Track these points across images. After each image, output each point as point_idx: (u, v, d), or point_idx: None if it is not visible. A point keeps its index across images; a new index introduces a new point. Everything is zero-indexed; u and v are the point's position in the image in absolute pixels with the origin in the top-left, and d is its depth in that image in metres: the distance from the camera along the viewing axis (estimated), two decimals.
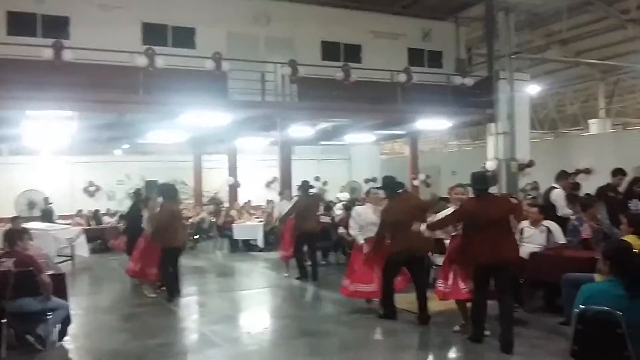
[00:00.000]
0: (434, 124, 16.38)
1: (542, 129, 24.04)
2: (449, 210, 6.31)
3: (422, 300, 6.55)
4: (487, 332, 5.80)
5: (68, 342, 6.09)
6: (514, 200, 7.04)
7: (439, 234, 6.48)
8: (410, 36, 17.51)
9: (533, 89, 17.89)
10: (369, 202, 7.75)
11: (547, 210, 7.92)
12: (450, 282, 6.01)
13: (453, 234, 6.14)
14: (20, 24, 13.66)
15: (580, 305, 3.71)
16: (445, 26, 18.06)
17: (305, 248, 9.99)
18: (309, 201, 10.13)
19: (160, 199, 8.66)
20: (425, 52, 17.77)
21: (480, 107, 15.86)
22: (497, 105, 15.73)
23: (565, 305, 5.95)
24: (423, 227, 6.20)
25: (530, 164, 15.61)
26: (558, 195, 8.62)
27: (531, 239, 7.09)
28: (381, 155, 25.01)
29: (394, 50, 16.98)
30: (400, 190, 7.10)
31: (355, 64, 15.27)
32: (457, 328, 6.13)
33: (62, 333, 6.08)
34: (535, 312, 6.79)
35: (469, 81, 16.14)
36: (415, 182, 17.50)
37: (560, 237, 7.10)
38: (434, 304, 6.53)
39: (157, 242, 8.33)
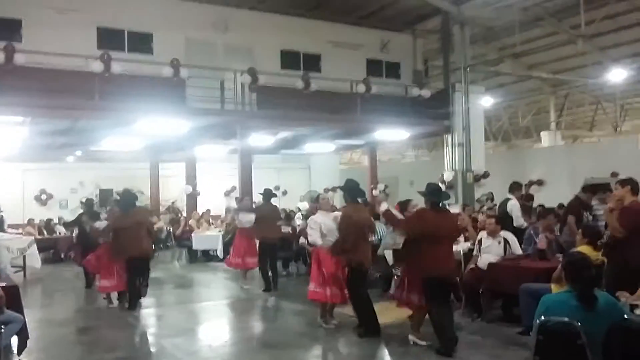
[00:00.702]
0: (392, 135, 16.59)
1: (496, 141, 24.67)
2: None
3: (358, 309, 6.62)
4: (423, 343, 5.99)
5: (22, 356, 5.85)
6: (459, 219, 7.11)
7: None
8: (368, 47, 17.71)
9: (487, 101, 18.35)
10: (320, 208, 7.50)
11: (503, 221, 8.13)
12: (405, 291, 6.10)
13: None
14: None
15: (541, 316, 3.81)
16: (403, 38, 18.34)
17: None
18: (270, 209, 10.07)
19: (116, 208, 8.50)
20: (383, 63, 18.00)
21: (437, 118, 16.15)
22: (453, 117, 16.05)
23: (522, 315, 6.11)
24: (384, 205, 6.45)
25: (485, 175, 15.99)
26: (513, 206, 8.89)
27: (489, 249, 7.25)
28: (340, 165, 25.16)
29: (353, 61, 17.13)
30: (360, 199, 7.10)
31: (315, 73, 15.34)
32: (412, 339, 6.16)
33: (21, 347, 5.84)
34: (493, 322, 6.93)
35: (426, 93, 16.40)
36: (375, 192, 17.63)
37: (516, 248, 7.29)
38: (396, 313, 6.57)
39: (118, 253, 8.13)
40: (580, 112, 24.02)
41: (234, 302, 9.32)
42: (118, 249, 8.12)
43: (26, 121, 12.02)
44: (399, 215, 6.86)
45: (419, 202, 6.68)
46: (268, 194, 10.23)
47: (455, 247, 6.67)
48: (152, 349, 6.43)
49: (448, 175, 15.94)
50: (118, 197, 8.79)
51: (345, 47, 17.25)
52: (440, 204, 6.14)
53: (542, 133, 22.87)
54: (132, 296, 8.17)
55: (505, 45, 18.97)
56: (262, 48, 15.91)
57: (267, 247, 9.71)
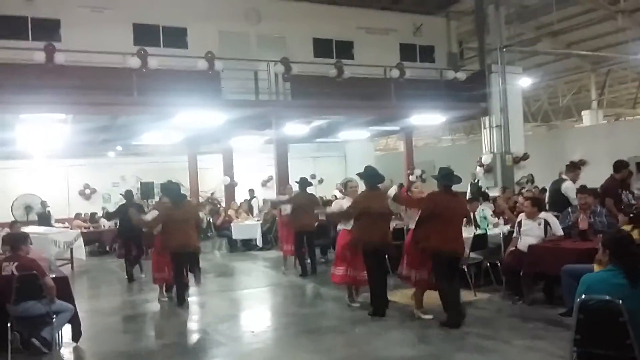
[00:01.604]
0: (427, 119, 16.45)
1: (535, 122, 24.17)
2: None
3: (375, 291, 6.84)
4: (428, 316, 6.37)
5: (73, 345, 6.11)
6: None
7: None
8: (401, 31, 17.56)
9: (525, 81, 17.99)
10: (347, 195, 7.74)
11: (557, 202, 8.03)
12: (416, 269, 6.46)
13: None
14: (11, 26, 13.58)
15: (582, 295, 3.77)
16: (436, 21, 18.11)
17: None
18: (307, 198, 10.16)
19: (166, 200, 8.50)
20: (417, 47, 17.83)
21: (473, 101, 15.94)
22: (490, 99, 15.81)
23: (565, 297, 6.02)
24: (393, 190, 6.82)
25: (525, 157, 15.72)
26: (568, 187, 8.68)
27: (529, 231, 7.14)
28: (376, 152, 25.07)
29: (386, 46, 17.04)
30: (379, 184, 7.15)
31: (347, 61, 15.32)
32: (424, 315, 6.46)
33: (76, 334, 6.14)
34: (535, 304, 6.85)
35: (461, 75, 16.21)
36: (412, 178, 17.55)
37: (557, 229, 7.16)
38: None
39: (166, 246, 8.03)
40: (622, 89, 23.32)
41: (275, 289, 9.46)
42: (167, 242, 7.99)
43: (68, 118, 12.39)
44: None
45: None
46: (304, 183, 10.32)
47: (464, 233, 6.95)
48: (197, 336, 6.61)
49: (486, 158, 15.74)
50: (168, 188, 8.73)
51: (378, 33, 17.15)
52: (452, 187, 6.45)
53: (583, 112, 22.31)
54: (179, 291, 8.07)
55: (542, 24, 18.52)
56: (294, 37, 15.97)
57: (303, 235, 9.92)
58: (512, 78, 15.98)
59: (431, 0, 17.38)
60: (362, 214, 6.86)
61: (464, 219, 7.11)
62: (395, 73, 14.77)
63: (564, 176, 8.95)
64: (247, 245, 14.28)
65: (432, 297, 6.55)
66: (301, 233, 9.91)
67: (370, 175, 7.08)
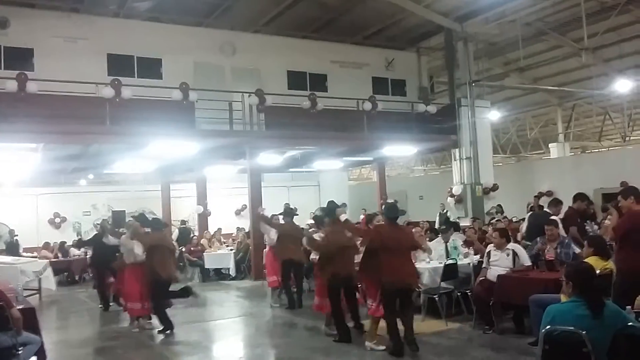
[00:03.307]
0: (399, 150, 16.73)
1: (504, 153, 24.70)
2: None
3: (356, 314, 7.27)
4: (381, 347, 6.48)
5: None
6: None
7: None
8: (373, 65, 17.93)
9: (494, 115, 18.50)
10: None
11: (536, 233, 8.23)
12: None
13: None
14: None
15: (547, 326, 3.87)
16: (407, 55, 18.56)
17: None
18: (293, 227, 9.90)
19: (147, 230, 8.43)
20: (389, 81, 18.19)
21: (444, 133, 16.30)
22: (460, 132, 16.19)
23: (533, 326, 6.14)
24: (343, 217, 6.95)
25: (494, 188, 16.07)
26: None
27: (498, 262, 7.30)
28: (349, 181, 25.26)
29: (359, 79, 17.36)
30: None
31: (321, 93, 15.56)
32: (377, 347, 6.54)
33: None
34: (505, 333, 6.96)
35: (432, 108, 16.61)
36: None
37: (525, 259, 7.32)
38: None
39: (150, 275, 8.04)
40: (588, 123, 24.04)
41: (247, 319, 9.41)
42: (151, 271, 8.00)
43: (39, 147, 12.27)
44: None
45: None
46: (289, 212, 10.07)
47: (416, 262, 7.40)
48: None
49: (457, 189, 16.03)
50: (148, 218, 8.69)
51: (351, 67, 17.49)
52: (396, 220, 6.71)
53: (550, 145, 22.90)
54: (164, 319, 8.05)
55: (509, 60, 19.13)
56: (268, 69, 16.18)
57: (290, 265, 9.57)
58: (481, 111, 16.42)
59: (402, 36, 17.83)
60: (329, 247, 7.08)
61: (416, 249, 7.24)
62: (367, 105, 15.05)
63: (547, 210, 8.99)
64: (220, 274, 14.16)
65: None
66: (288, 263, 9.54)
67: (331, 210, 7.34)
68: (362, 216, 16.04)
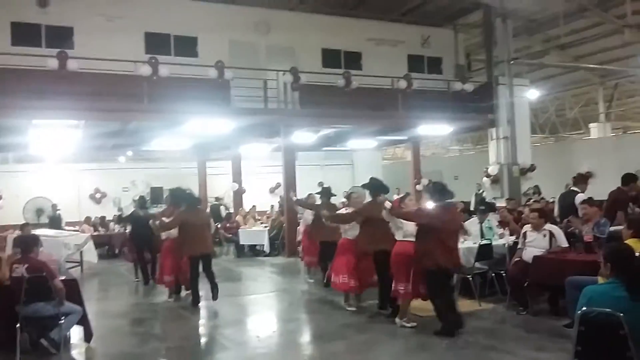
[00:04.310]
0: (435, 130, 16.54)
1: (542, 133, 24.19)
2: None
3: (386, 293, 7.02)
4: (412, 324, 6.52)
5: (80, 346, 6.21)
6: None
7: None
8: (409, 43, 17.69)
9: (532, 93, 18.09)
10: (350, 205, 8.01)
11: (568, 214, 8.09)
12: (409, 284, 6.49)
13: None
14: (25, 34, 13.82)
15: (583, 307, 3.82)
16: (444, 33, 18.23)
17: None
18: (331, 207, 9.37)
19: (182, 207, 8.55)
20: (425, 59, 17.94)
21: (480, 112, 16.04)
22: (497, 111, 15.91)
23: (569, 308, 6.06)
24: (388, 204, 6.73)
25: (531, 168, 15.79)
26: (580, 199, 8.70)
27: (534, 242, 7.20)
28: (383, 161, 25.15)
29: (394, 57, 17.16)
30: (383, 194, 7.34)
31: (356, 71, 15.45)
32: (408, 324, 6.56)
33: (88, 335, 6.26)
34: (539, 315, 6.89)
35: (468, 87, 16.31)
36: (418, 187, 17.63)
37: (562, 241, 7.21)
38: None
39: (183, 250, 8.29)
40: (630, 102, 23.32)
41: (281, 294, 9.56)
42: (184, 246, 8.22)
43: (80, 124, 12.55)
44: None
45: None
46: (327, 192, 9.84)
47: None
48: (203, 339, 6.70)
49: (493, 169, 15.82)
50: (183, 193, 8.91)
51: (386, 44, 17.29)
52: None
53: (590, 125, 22.32)
54: (194, 293, 8.27)
55: (549, 37, 18.61)
56: (303, 48, 16.13)
57: (329, 247, 8.89)
58: (519, 90, 16.09)
59: (439, 13, 17.50)
60: (367, 222, 7.02)
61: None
62: (402, 84, 14.89)
63: (574, 188, 8.95)
64: (254, 251, 14.37)
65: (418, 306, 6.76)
66: (326, 244, 9.10)
67: (375, 186, 7.32)
68: (395, 196, 15.97)
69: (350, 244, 7.52)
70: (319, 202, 10.03)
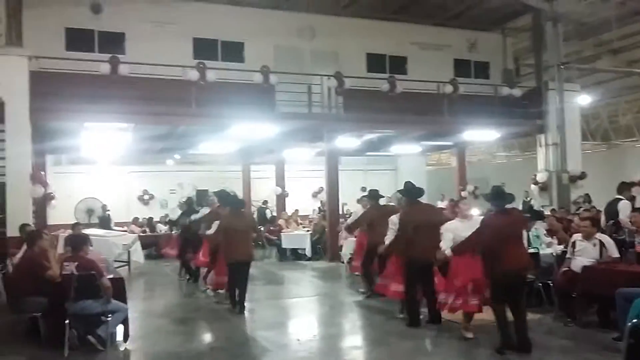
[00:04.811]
0: (481, 135, 16.26)
1: (594, 140, 23.40)
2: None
3: (433, 302, 6.83)
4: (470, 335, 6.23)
5: (125, 344, 6.37)
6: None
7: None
8: (456, 47, 17.50)
9: (584, 99, 17.53)
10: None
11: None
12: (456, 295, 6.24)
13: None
14: (79, 39, 14.35)
15: (634, 319, 3.69)
16: (492, 37, 17.97)
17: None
18: (380, 212, 8.82)
19: (227, 209, 8.65)
20: (471, 63, 17.70)
21: (529, 118, 15.70)
22: (546, 116, 15.54)
23: (619, 320, 5.84)
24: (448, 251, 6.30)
25: (582, 176, 15.30)
26: (625, 206, 8.50)
27: (583, 252, 6.97)
28: (428, 166, 24.88)
29: (440, 62, 17.01)
30: (419, 199, 7.25)
31: (400, 76, 15.37)
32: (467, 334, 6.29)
33: (126, 334, 6.39)
34: (588, 327, 6.67)
35: (517, 92, 16.01)
36: (463, 194, 17.36)
37: (613, 251, 6.96)
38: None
39: (226, 254, 8.29)
40: None
41: (322, 299, 9.55)
42: (225, 251, 8.27)
43: (130, 127, 12.89)
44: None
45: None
46: (375, 195, 9.36)
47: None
48: (244, 341, 6.75)
49: (542, 176, 15.43)
50: (228, 195, 9.03)
51: (432, 49, 17.16)
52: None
53: None
54: (233, 298, 8.23)
55: (602, 42, 18.02)
56: (347, 52, 16.17)
57: (374, 251, 8.59)
58: (570, 96, 15.64)
59: (487, 16, 17.23)
60: (404, 227, 6.95)
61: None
62: (448, 88, 14.73)
63: (618, 196, 8.75)
64: (296, 254, 14.44)
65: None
66: (373, 251, 8.52)
67: (409, 190, 7.22)
68: (439, 202, 15.77)
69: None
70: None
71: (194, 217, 10.51)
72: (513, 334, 5.79)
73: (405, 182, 7.49)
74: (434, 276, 7.05)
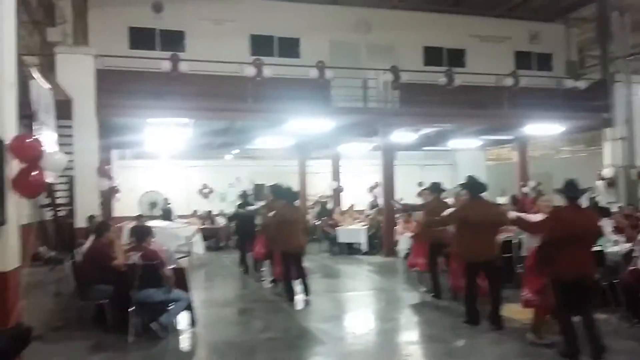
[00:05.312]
0: (543, 129, 15.75)
1: None
2: None
3: (496, 303, 6.60)
4: (542, 341, 5.83)
5: (187, 331, 6.57)
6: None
7: None
8: (516, 39, 17.05)
9: None
10: None
11: None
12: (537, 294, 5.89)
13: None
14: (141, 38, 14.84)
15: None
16: (555, 28, 17.40)
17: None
18: (440, 206, 8.27)
19: (281, 202, 8.81)
20: (533, 55, 17.20)
21: (594, 111, 15.12)
22: (613, 109, 14.94)
23: None
24: (513, 214, 6.28)
25: None
26: None
27: None
28: (487, 161, 24.32)
29: (500, 54, 16.63)
30: (481, 194, 6.96)
31: (459, 69, 15.11)
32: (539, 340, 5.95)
33: (193, 321, 6.65)
34: None
35: (581, 84, 15.47)
36: (525, 189, 16.90)
37: None
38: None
39: (277, 245, 8.64)
40: None
41: (378, 293, 9.55)
42: (278, 241, 8.55)
43: (190, 123, 13.24)
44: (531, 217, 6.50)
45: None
46: (437, 188, 8.78)
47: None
48: (301, 333, 6.83)
49: (608, 172, 14.86)
50: (282, 188, 9.18)
51: (491, 41, 16.78)
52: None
53: None
54: (289, 288, 8.43)
55: None
56: (404, 46, 16.01)
57: (439, 248, 8.26)
58: (638, 88, 14.95)
59: (549, 7, 16.67)
60: (462, 224, 6.74)
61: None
62: (509, 81, 14.37)
63: None
64: (352, 249, 14.45)
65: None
66: (437, 245, 8.25)
67: (472, 185, 6.96)
68: (499, 198, 15.39)
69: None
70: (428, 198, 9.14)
71: (248, 208, 10.76)
72: (583, 341, 5.45)
73: (468, 175, 7.20)
74: (499, 274, 6.82)
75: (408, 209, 10.09)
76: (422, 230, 8.69)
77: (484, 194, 6.97)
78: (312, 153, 19.79)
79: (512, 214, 6.37)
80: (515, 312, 6.73)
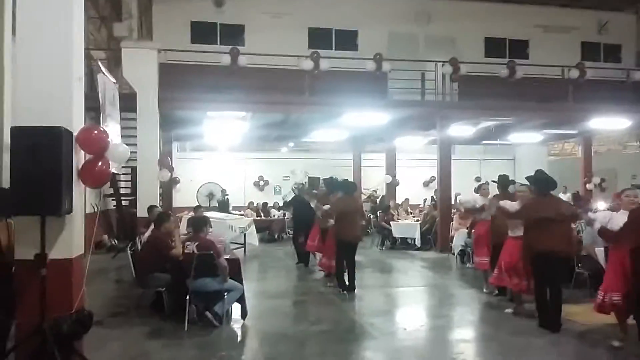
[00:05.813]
0: (610, 123, 15.08)
1: None
2: None
3: (556, 304, 6.33)
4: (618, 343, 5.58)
5: (238, 322, 6.72)
6: None
7: None
8: (584, 29, 16.41)
9: None
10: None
11: None
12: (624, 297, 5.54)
13: None
14: (203, 32, 15.21)
15: None
16: (625, 17, 16.64)
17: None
18: (510, 200, 7.57)
19: (339, 194, 9.05)
20: (601, 46, 16.49)
21: None
22: None
23: None
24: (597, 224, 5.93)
25: None
26: None
27: None
28: (549, 157, 23.56)
29: (566, 45, 16.06)
30: (550, 191, 6.68)
31: (521, 60, 14.69)
32: (616, 343, 5.65)
33: (244, 312, 6.79)
34: None
35: None
36: (589, 186, 16.27)
37: None
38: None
39: (333, 235, 8.86)
40: None
41: (431, 289, 9.44)
42: (336, 230, 8.73)
43: (247, 116, 13.47)
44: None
45: None
46: (504, 181, 8.27)
47: None
48: (352, 326, 6.86)
49: None
50: (336, 181, 9.34)
51: (556, 31, 16.22)
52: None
53: None
54: (341, 279, 8.62)
55: None
56: (464, 37, 15.71)
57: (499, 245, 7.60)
58: None
59: None
60: (530, 220, 6.49)
61: None
62: (574, 73, 13.83)
63: None
64: (406, 244, 14.35)
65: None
66: (500, 244, 7.56)
67: (540, 180, 6.65)
68: (562, 194, 14.88)
69: (514, 243, 6.96)
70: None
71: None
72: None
73: (537, 170, 6.87)
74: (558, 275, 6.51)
75: (470, 208, 9.00)
76: (495, 231, 7.86)
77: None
78: (367, 146, 19.74)
79: (597, 224, 5.95)
80: (573, 313, 6.52)
